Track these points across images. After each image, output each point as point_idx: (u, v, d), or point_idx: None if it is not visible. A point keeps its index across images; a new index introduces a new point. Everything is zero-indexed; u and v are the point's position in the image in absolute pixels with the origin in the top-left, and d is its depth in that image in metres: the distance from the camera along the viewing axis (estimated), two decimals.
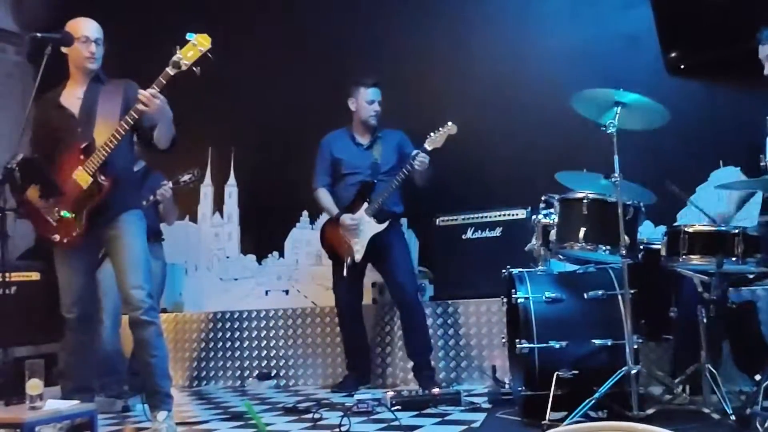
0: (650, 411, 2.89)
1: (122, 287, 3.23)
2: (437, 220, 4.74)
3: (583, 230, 3.08)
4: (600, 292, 3.11)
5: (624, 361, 2.88)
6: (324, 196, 4.58)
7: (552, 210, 3.34)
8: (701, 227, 3.00)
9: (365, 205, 4.39)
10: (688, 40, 4.27)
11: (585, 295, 3.13)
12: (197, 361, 5.33)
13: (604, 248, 3.05)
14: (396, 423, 3.28)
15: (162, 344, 3.29)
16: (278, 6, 5.60)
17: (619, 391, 2.87)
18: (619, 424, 1.23)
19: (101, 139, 3.18)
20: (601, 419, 2.97)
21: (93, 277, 3.47)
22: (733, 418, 2.69)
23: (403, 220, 4.84)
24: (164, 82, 3.08)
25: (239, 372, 5.22)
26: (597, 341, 3.03)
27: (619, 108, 3.02)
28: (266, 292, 5.55)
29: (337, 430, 3.17)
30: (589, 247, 3.09)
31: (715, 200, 4.15)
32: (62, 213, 3.19)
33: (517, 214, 4.52)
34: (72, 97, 3.32)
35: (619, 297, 3.04)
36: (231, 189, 5.75)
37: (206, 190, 5.80)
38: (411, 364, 4.41)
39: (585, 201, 3.10)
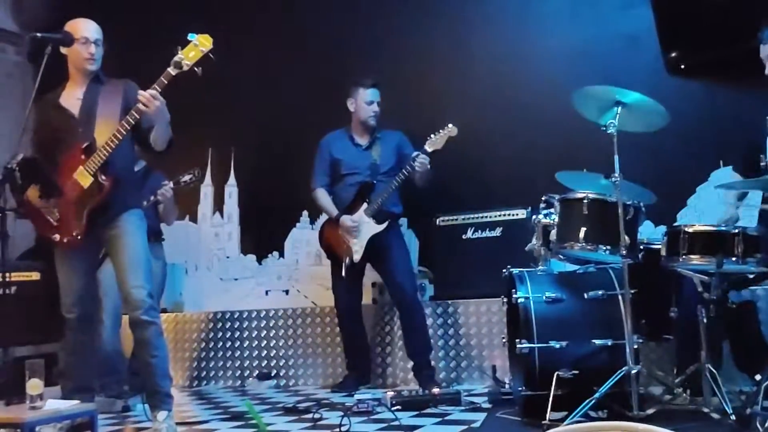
0: (650, 411, 2.89)
1: (123, 287, 3.23)
2: (437, 220, 4.74)
3: (583, 230, 3.08)
4: (600, 292, 3.11)
5: (624, 361, 2.88)
6: (323, 197, 4.58)
7: (552, 210, 3.34)
8: (701, 227, 2.99)
9: (364, 205, 4.39)
10: (688, 40, 4.26)
11: (585, 295, 3.13)
12: (197, 361, 5.33)
13: (604, 248, 3.05)
14: (396, 423, 3.28)
15: (162, 344, 3.29)
16: (278, 6, 5.60)
17: (619, 391, 2.88)
18: (620, 424, 1.23)
19: (102, 139, 3.18)
20: (601, 419, 2.97)
21: (93, 277, 3.47)
22: (733, 418, 2.69)
23: (403, 220, 4.85)
24: (165, 82, 3.09)
25: (239, 372, 5.22)
26: (597, 341, 3.03)
27: (620, 108, 3.03)
28: (266, 292, 5.55)
29: (338, 430, 3.17)
30: (589, 247, 3.09)
31: (715, 200, 4.16)
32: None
33: (517, 214, 4.52)
34: (72, 98, 3.32)
35: (620, 297, 3.04)
36: (231, 189, 5.75)
37: (206, 190, 5.80)
38: (411, 364, 4.41)
39: (585, 201, 3.10)
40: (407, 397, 3.71)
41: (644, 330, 3.18)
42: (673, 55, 4.37)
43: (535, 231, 3.56)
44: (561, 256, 3.39)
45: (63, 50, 3.26)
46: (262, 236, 5.63)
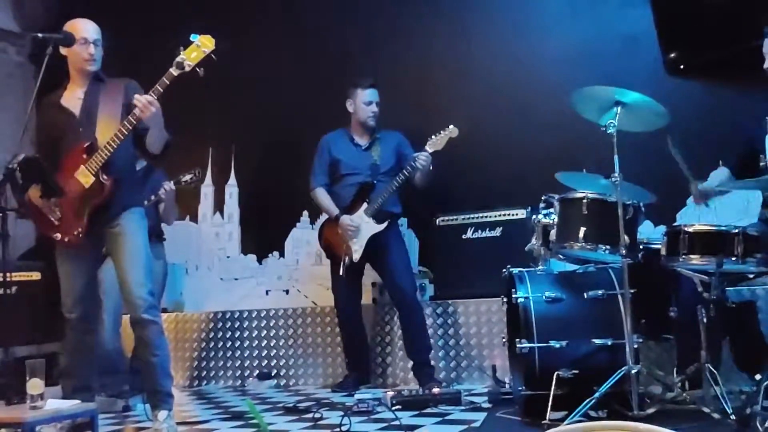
0: (650, 410, 2.90)
1: (123, 285, 3.23)
2: (437, 220, 4.74)
3: (583, 230, 3.09)
4: (600, 292, 3.11)
5: (624, 360, 2.88)
6: (322, 196, 4.58)
7: (552, 210, 3.34)
8: (701, 227, 2.99)
9: (365, 205, 4.40)
10: (687, 40, 4.27)
11: (585, 295, 3.13)
12: (198, 361, 5.33)
13: (604, 248, 3.06)
14: (396, 422, 3.28)
15: (164, 343, 3.29)
16: (278, 6, 5.61)
17: (619, 391, 2.88)
18: (620, 423, 1.23)
19: (103, 139, 3.18)
20: (601, 419, 2.97)
21: (94, 276, 3.47)
22: (733, 417, 2.69)
23: (403, 220, 4.85)
24: (167, 82, 3.09)
25: (239, 372, 5.22)
26: (597, 341, 3.03)
27: (619, 108, 3.03)
28: (267, 292, 5.56)
29: (338, 429, 3.17)
30: (589, 247, 3.09)
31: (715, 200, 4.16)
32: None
33: (517, 214, 4.52)
34: (73, 98, 3.32)
35: (619, 297, 3.04)
36: (231, 189, 5.76)
37: (207, 190, 5.81)
38: (411, 363, 4.41)
39: (585, 201, 3.11)
40: (407, 396, 3.71)
41: (644, 330, 3.18)
42: (673, 55, 4.37)
43: (535, 231, 3.56)
44: (561, 256, 3.39)
45: (63, 51, 3.26)
46: (262, 236, 5.63)
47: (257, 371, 5.14)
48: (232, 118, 5.61)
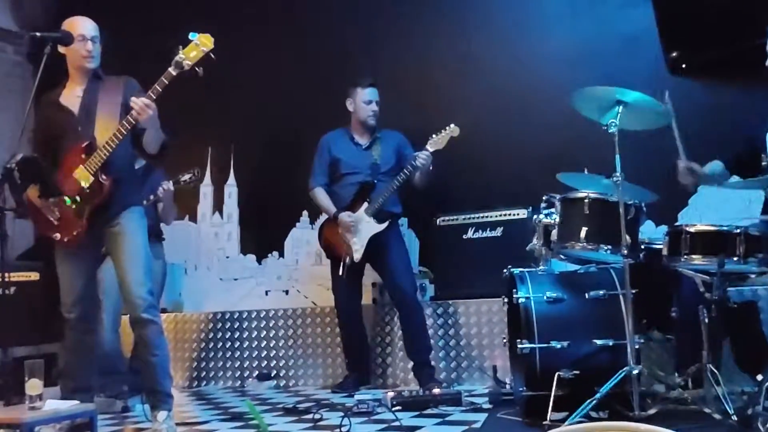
0: (652, 411, 2.88)
1: (123, 284, 3.22)
2: (438, 220, 4.73)
3: (584, 230, 3.08)
4: (601, 292, 3.10)
5: (625, 361, 2.87)
6: (321, 196, 4.58)
7: (553, 210, 3.33)
8: (703, 227, 2.99)
9: (365, 205, 4.39)
10: (689, 39, 4.26)
11: (586, 295, 3.12)
12: (197, 362, 5.32)
13: (605, 248, 3.05)
14: (396, 423, 3.28)
15: (163, 343, 3.29)
16: (278, 6, 5.60)
17: (621, 391, 2.87)
18: (621, 424, 1.23)
19: (102, 137, 3.17)
20: (602, 419, 2.96)
21: (93, 277, 3.46)
22: (734, 418, 2.68)
23: (403, 220, 4.84)
24: (166, 82, 3.08)
25: (239, 372, 5.21)
26: (598, 341, 3.02)
27: (621, 107, 3.02)
28: (266, 292, 5.55)
29: (338, 430, 3.16)
30: (590, 247, 3.09)
31: (716, 200, 4.16)
32: (65, 199, 3.18)
33: (518, 214, 4.51)
34: (72, 96, 3.31)
35: (621, 297, 3.03)
36: (231, 189, 5.75)
37: (206, 189, 5.80)
38: (411, 364, 4.41)
39: (586, 200, 3.10)
40: (408, 397, 3.70)
41: (645, 330, 3.17)
42: (674, 54, 4.36)
43: (536, 231, 3.55)
44: (562, 256, 3.38)
45: (61, 50, 3.24)
46: (261, 236, 5.63)
47: (257, 372, 5.13)
48: (231, 117, 5.60)
